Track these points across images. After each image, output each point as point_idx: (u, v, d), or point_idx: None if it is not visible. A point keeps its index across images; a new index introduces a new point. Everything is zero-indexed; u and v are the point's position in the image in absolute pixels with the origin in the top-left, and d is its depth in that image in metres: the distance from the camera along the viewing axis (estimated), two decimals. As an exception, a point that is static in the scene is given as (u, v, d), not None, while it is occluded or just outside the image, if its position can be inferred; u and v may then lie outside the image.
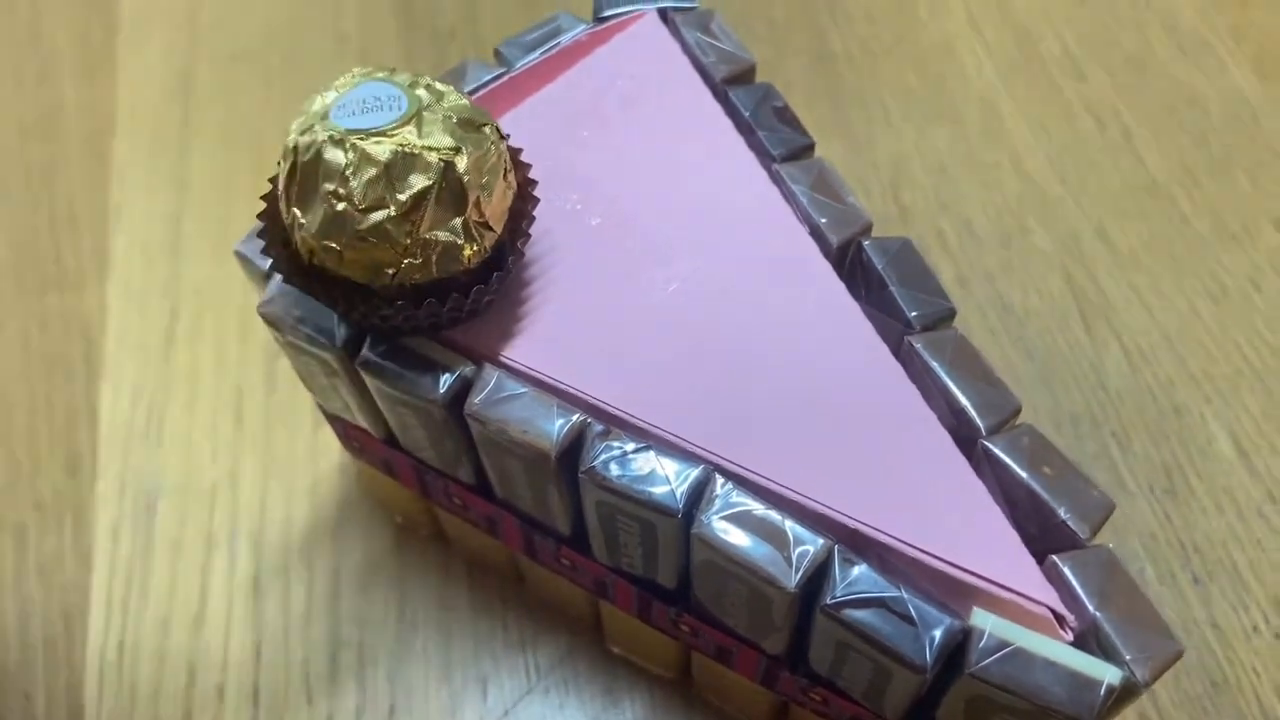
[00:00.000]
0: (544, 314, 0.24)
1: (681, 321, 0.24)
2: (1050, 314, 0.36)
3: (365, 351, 0.23)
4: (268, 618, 0.32)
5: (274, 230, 0.22)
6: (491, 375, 0.23)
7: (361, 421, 0.27)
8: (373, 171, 0.20)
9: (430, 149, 0.20)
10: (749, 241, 0.25)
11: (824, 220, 0.25)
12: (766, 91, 0.27)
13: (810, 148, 0.27)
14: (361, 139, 0.20)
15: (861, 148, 0.40)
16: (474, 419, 0.23)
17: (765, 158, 0.26)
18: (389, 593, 0.32)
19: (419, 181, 0.20)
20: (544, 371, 0.23)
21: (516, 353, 0.23)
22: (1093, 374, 0.35)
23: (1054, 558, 0.21)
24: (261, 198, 0.23)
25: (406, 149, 0.20)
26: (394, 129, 0.20)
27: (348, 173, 0.20)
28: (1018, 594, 0.20)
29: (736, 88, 0.27)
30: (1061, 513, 0.21)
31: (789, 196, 0.25)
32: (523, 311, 0.24)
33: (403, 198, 0.20)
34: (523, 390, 0.23)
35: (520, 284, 0.24)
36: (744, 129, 0.27)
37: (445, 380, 0.23)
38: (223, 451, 0.35)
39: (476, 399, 0.23)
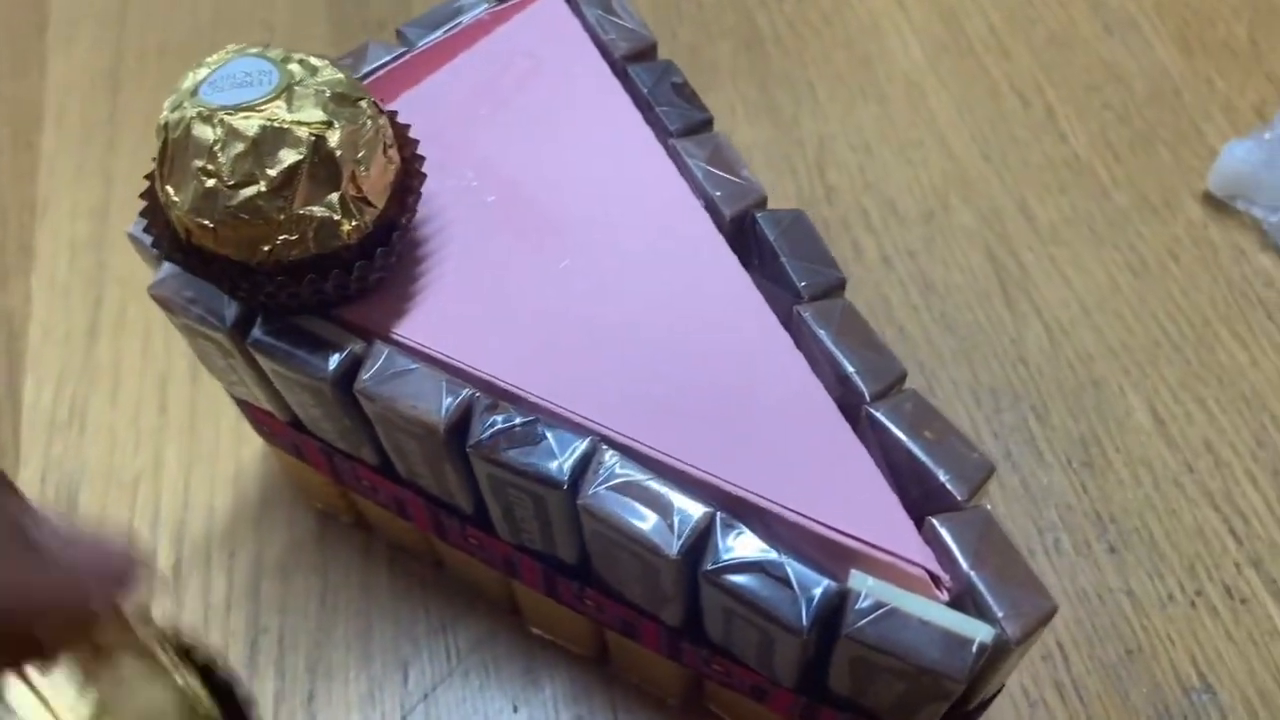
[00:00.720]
0: (435, 291, 0.24)
1: (573, 296, 0.24)
2: (972, 290, 0.36)
3: (255, 331, 0.23)
4: (188, 606, 0.32)
5: (156, 210, 0.22)
6: (381, 352, 0.23)
7: (265, 404, 0.27)
8: (241, 147, 0.20)
9: (300, 123, 0.20)
10: (643, 216, 0.25)
11: (719, 194, 0.25)
12: (666, 68, 0.27)
13: (708, 123, 0.27)
14: (230, 114, 0.20)
15: (788, 128, 0.40)
16: (364, 395, 0.23)
17: (663, 133, 0.26)
18: (310, 580, 0.32)
19: (289, 156, 0.20)
20: (434, 347, 0.23)
21: (407, 329, 0.23)
22: (1013, 349, 0.35)
23: (932, 519, 0.21)
24: (145, 177, 0.23)
25: (275, 123, 0.20)
26: (263, 104, 0.20)
27: (216, 149, 0.20)
28: (895, 556, 0.20)
29: (636, 65, 0.27)
30: (941, 475, 0.21)
31: (684, 171, 0.26)
32: (414, 289, 0.24)
33: (273, 173, 0.20)
34: (413, 366, 0.23)
35: (413, 261, 0.24)
36: (643, 105, 0.27)
37: (335, 358, 0.23)
38: (146, 441, 0.35)
39: (366, 375, 0.23)
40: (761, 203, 0.25)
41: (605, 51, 0.28)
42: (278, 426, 0.28)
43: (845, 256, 0.37)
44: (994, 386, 0.35)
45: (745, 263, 0.24)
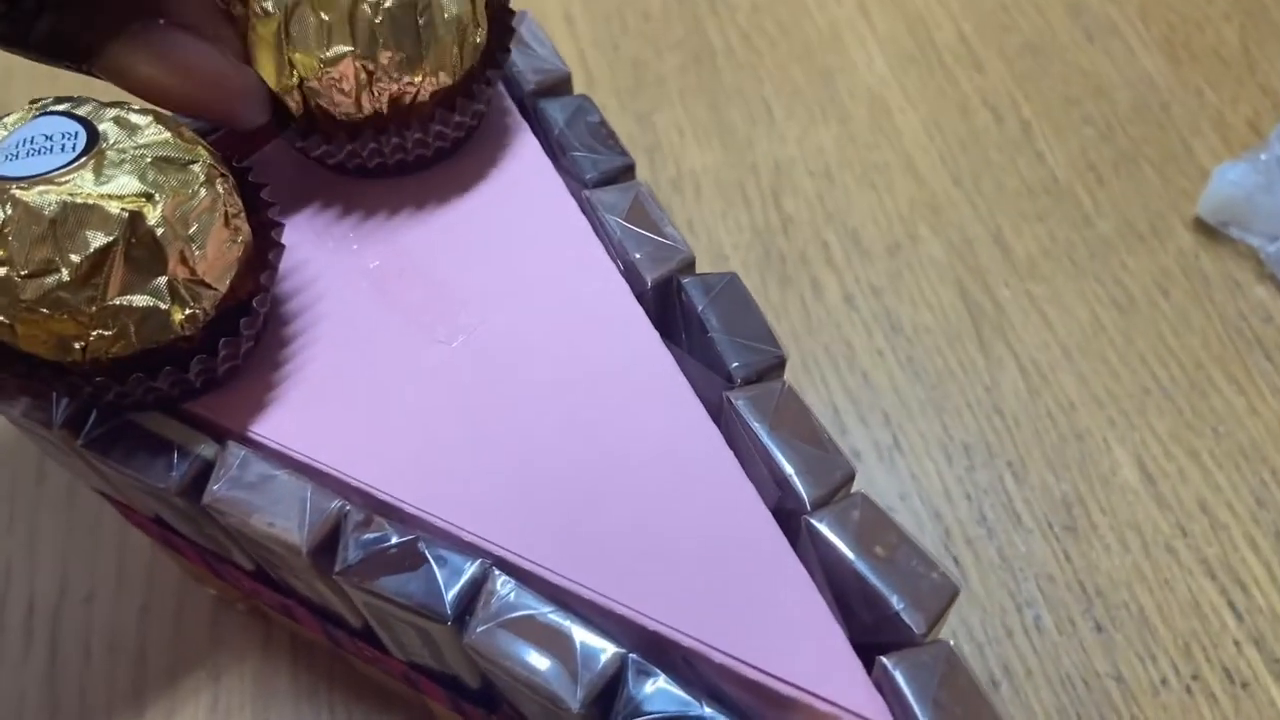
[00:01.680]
0: (302, 379, 0.20)
1: (464, 384, 0.20)
2: (942, 331, 0.33)
3: (87, 432, 0.20)
4: (64, 711, 0.28)
5: None
6: (235, 456, 0.19)
7: (124, 500, 0.23)
8: (36, 229, 0.16)
9: (110, 197, 0.17)
10: (552, 283, 0.21)
11: (638, 255, 0.22)
12: (580, 105, 0.24)
13: (629, 169, 0.23)
14: (22, 189, 0.16)
15: (741, 150, 0.37)
16: (214, 509, 0.19)
17: (577, 183, 0.23)
18: (201, 678, 0.28)
19: (97, 238, 0.17)
20: (298, 449, 0.20)
21: (266, 427, 0.20)
22: (987, 397, 0.32)
23: (884, 660, 0.17)
24: None
25: (78, 199, 0.16)
26: (63, 175, 0.17)
27: (6, 231, 0.16)
28: (842, 709, 0.17)
29: (548, 101, 0.24)
30: (895, 602, 0.18)
31: (600, 228, 0.22)
32: (277, 378, 0.20)
33: (76, 259, 0.17)
34: (273, 473, 0.19)
35: (277, 343, 0.21)
36: (555, 149, 0.23)
37: (181, 464, 0.19)
38: (21, 517, 0.31)
39: (216, 485, 0.19)
40: (689, 266, 0.22)
41: (510, 85, 0.24)
42: (145, 523, 0.24)
43: (804, 295, 0.34)
44: (966, 441, 0.31)
45: (670, 337, 0.21)
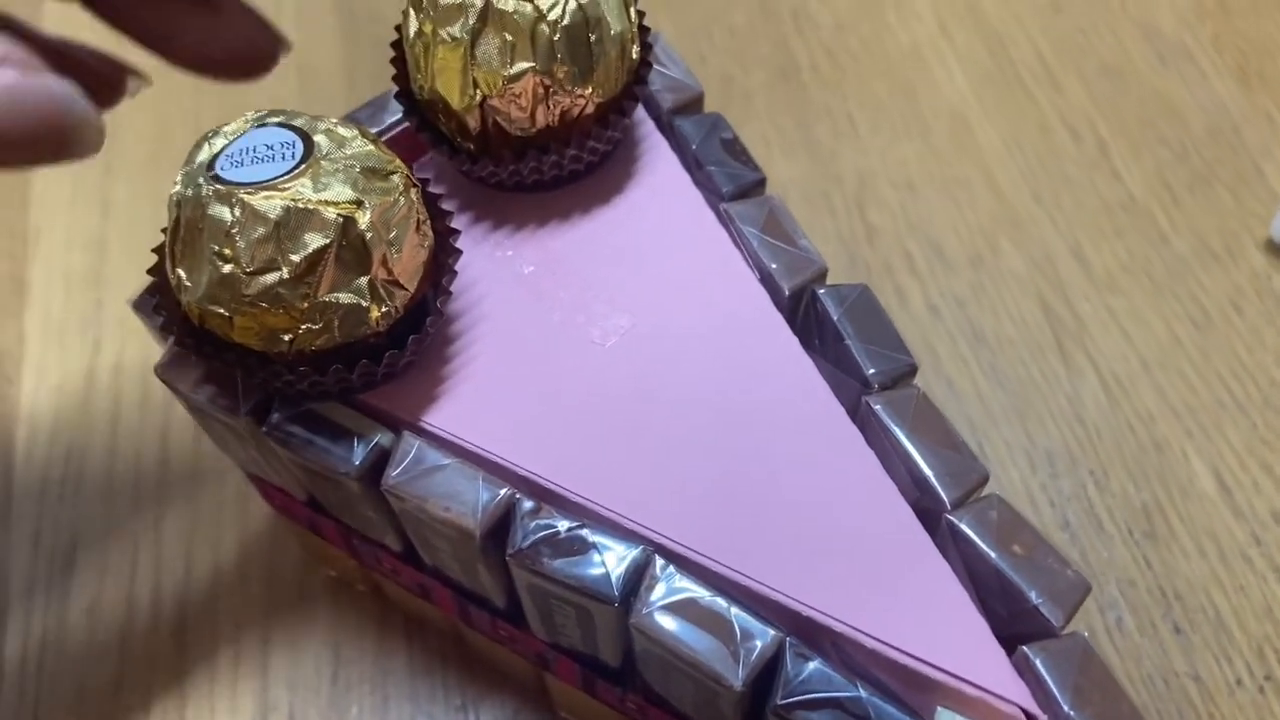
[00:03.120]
0: (469, 374, 0.22)
1: (619, 382, 0.22)
2: (1024, 341, 0.34)
3: (271, 419, 0.21)
4: (192, 681, 0.30)
5: (166, 288, 0.20)
6: (411, 445, 0.21)
7: (280, 484, 0.25)
8: (262, 230, 0.18)
9: (327, 204, 0.18)
10: (695, 290, 0.23)
11: (775, 266, 0.23)
12: (715, 122, 0.25)
13: (761, 183, 0.25)
14: (250, 194, 0.18)
15: (826, 163, 0.38)
16: (391, 494, 0.21)
17: (713, 195, 0.24)
18: (321, 653, 0.30)
19: (315, 240, 0.18)
20: (469, 439, 0.21)
21: (439, 418, 0.21)
22: (1069, 407, 0.33)
23: (1025, 649, 0.19)
24: (154, 250, 0.21)
25: (300, 204, 0.18)
26: (286, 182, 0.18)
27: (234, 232, 0.18)
28: (987, 691, 0.18)
29: (683, 118, 0.25)
30: (1033, 596, 0.19)
31: (738, 239, 0.23)
32: (446, 372, 0.22)
33: (296, 259, 0.18)
34: (445, 462, 0.21)
35: (444, 341, 0.22)
36: (691, 164, 0.25)
37: (360, 451, 0.21)
38: (147, 499, 0.32)
39: (394, 472, 0.21)
40: (822, 275, 0.23)
41: (649, 103, 0.25)
42: (293, 505, 0.26)
43: (889, 304, 0.35)
44: (1050, 449, 0.33)
45: (806, 344, 0.22)
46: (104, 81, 0.19)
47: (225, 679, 0.30)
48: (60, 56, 0.18)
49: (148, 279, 0.21)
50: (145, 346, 0.35)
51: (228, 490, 0.32)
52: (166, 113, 0.40)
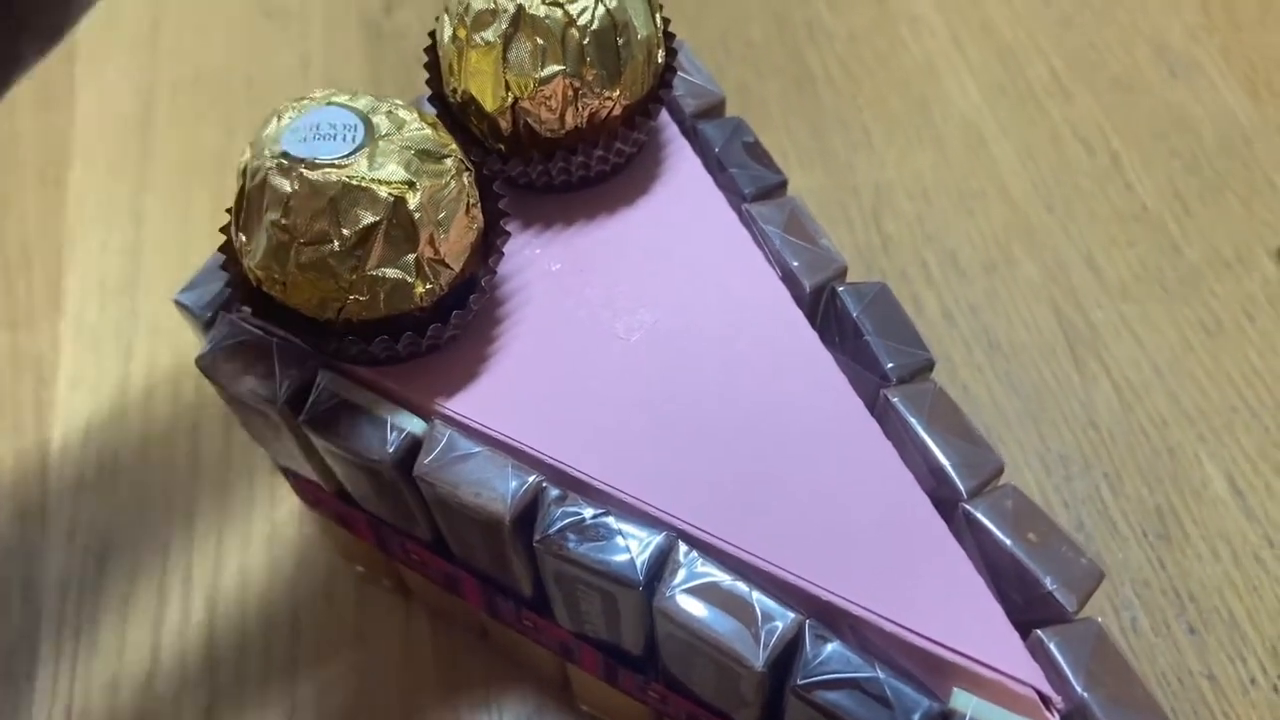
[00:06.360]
0: (499, 366, 0.23)
1: (644, 374, 0.22)
2: (1037, 348, 0.35)
3: (309, 409, 0.22)
4: (221, 677, 0.30)
5: (233, 251, 0.21)
6: (443, 434, 0.22)
7: (312, 475, 0.26)
8: (318, 204, 0.19)
9: (381, 183, 0.19)
10: (717, 287, 0.24)
11: (796, 264, 0.24)
12: (736, 126, 0.26)
13: (783, 185, 0.25)
14: (309, 169, 0.19)
15: (843, 173, 0.39)
16: (423, 481, 0.21)
17: (735, 196, 0.25)
18: (349, 649, 0.31)
19: (366, 217, 0.19)
20: (498, 428, 0.22)
21: (469, 407, 0.22)
22: (1082, 411, 0.34)
23: (1039, 633, 0.19)
24: (227, 210, 0.22)
25: (355, 181, 0.19)
26: (344, 160, 0.19)
27: (292, 203, 0.19)
28: (1001, 673, 0.19)
29: (705, 122, 0.26)
30: (1048, 583, 0.20)
31: (760, 238, 0.24)
32: (477, 363, 0.23)
33: (348, 233, 0.19)
34: (476, 449, 0.21)
35: (477, 333, 0.23)
36: (713, 166, 0.25)
37: (393, 439, 0.22)
38: (178, 497, 0.33)
39: (426, 459, 0.21)
40: (842, 274, 0.24)
41: (672, 108, 0.26)
42: (324, 496, 0.27)
43: (906, 311, 0.36)
44: (1064, 452, 0.33)
45: (825, 340, 0.23)
46: None
47: (254, 673, 0.30)
48: None
49: (179, 285, 0.22)
50: (176, 352, 0.36)
51: (257, 489, 0.33)
52: (198, 126, 0.41)
